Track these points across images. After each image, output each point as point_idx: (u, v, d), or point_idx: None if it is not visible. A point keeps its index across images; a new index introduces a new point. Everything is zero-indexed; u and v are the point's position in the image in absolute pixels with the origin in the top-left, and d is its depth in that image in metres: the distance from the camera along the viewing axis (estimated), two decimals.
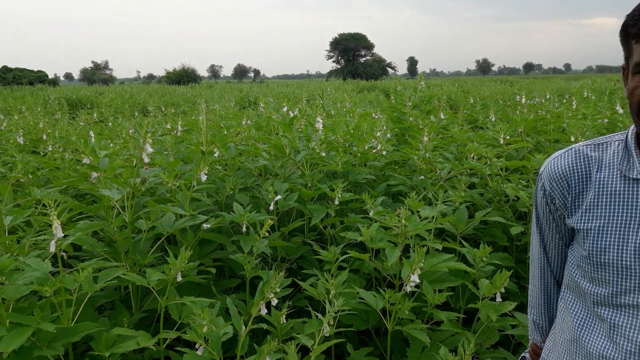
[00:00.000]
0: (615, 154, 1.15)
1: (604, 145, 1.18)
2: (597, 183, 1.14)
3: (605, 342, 1.13)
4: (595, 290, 1.14)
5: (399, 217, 2.31)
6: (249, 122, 4.81)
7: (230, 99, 13.41)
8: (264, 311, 1.73)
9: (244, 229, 2.50)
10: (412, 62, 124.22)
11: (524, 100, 5.22)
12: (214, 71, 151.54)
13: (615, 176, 1.13)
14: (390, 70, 63.65)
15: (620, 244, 1.09)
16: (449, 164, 3.67)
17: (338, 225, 2.95)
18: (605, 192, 1.13)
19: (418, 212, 2.71)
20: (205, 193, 2.88)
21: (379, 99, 13.49)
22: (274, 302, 1.75)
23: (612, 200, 1.12)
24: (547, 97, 7.92)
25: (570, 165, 1.19)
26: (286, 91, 21.01)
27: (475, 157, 3.78)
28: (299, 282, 2.27)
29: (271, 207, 2.66)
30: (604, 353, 1.13)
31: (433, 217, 2.74)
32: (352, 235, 2.51)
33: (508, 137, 3.79)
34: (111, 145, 4.27)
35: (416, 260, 1.93)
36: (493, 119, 5.22)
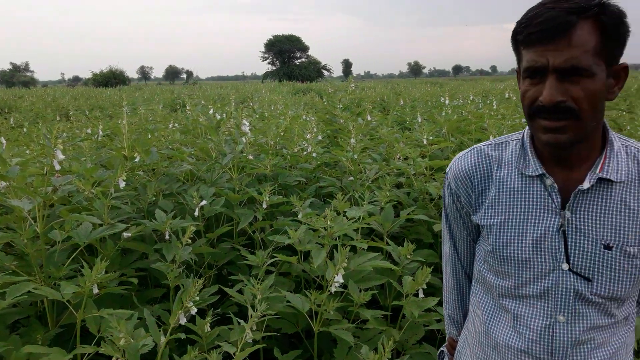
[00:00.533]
0: (513, 153, 1.21)
1: (503, 145, 1.24)
2: (498, 181, 1.21)
3: (510, 332, 1.20)
4: (500, 283, 1.21)
5: (325, 218, 2.33)
6: (176, 125, 4.69)
7: (159, 102, 13.02)
8: (183, 320, 1.68)
9: (167, 237, 2.43)
10: (347, 65, 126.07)
11: (447, 101, 5.42)
12: (144, 73, 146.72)
13: (513, 174, 1.19)
14: (325, 72, 64.26)
15: (520, 238, 1.16)
16: (377, 164, 3.74)
17: (268, 229, 2.93)
18: (504, 189, 1.19)
19: (345, 212, 2.75)
20: (127, 200, 2.78)
21: (314, 101, 13.57)
22: (194, 310, 1.70)
23: (511, 196, 1.18)
24: (471, 98, 8.27)
25: (473, 165, 1.24)
26: (219, 93, 20.70)
27: (401, 157, 3.87)
28: (224, 289, 2.23)
29: (196, 213, 2.60)
30: (509, 343, 1.20)
31: (360, 217, 2.79)
32: (279, 238, 2.49)
33: (432, 138, 3.92)
34: (27, 152, 4.02)
35: (339, 260, 1.95)
36: (420, 120, 5.37)
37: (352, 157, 3.70)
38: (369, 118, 4.26)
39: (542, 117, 1.05)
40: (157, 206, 2.74)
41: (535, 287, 1.15)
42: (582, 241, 1.10)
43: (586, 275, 1.10)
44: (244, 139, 3.55)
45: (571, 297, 1.12)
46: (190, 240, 2.17)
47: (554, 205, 1.12)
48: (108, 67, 53.27)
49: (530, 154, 1.16)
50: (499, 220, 1.19)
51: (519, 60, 1.12)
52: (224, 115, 3.63)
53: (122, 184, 2.43)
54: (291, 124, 4.93)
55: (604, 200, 1.10)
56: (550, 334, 1.14)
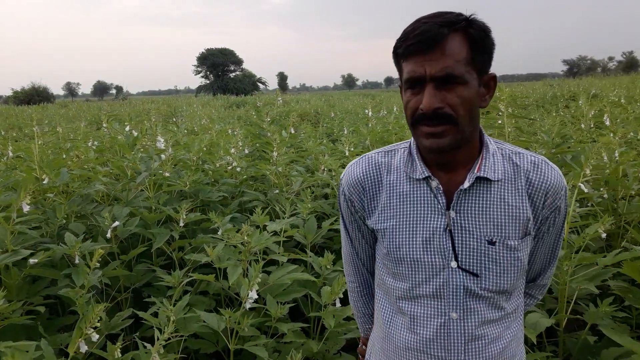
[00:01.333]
0: (402, 159, 1.27)
1: (393, 152, 1.31)
2: (388, 185, 1.26)
3: (407, 334, 1.24)
4: (397, 285, 1.26)
5: (242, 234, 2.31)
6: (95, 143, 4.52)
7: (85, 119, 12.49)
8: (83, 348, 1.61)
9: (77, 261, 2.32)
10: (282, 78, 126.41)
11: (370, 113, 5.56)
12: (71, 89, 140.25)
13: (402, 178, 1.25)
14: (261, 86, 64.10)
15: (411, 239, 1.21)
16: (302, 177, 3.77)
17: (188, 247, 2.87)
18: (395, 194, 1.25)
19: (265, 226, 2.74)
20: (35, 224, 2.64)
21: (248, 114, 13.51)
22: (95, 337, 1.63)
23: (401, 200, 1.24)
24: (395, 109, 8.52)
25: (364, 172, 1.30)
26: (149, 108, 20.12)
27: (325, 169, 3.93)
28: (137, 313, 2.16)
29: (108, 235, 2.51)
30: (408, 344, 1.24)
31: (281, 230, 2.80)
32: (196, 256, 2.45)
33: (352, 149, 4.00)
34: None
35: (253, 276, 1.94)
36: (345, 132, 5.48)
37: (277, 170, 3.71)
38: (293, 131, 4.29)
39: (423, 124, 1.12)
40: (68, 229, 2.62)
41: (428, 286, 1.20)
42: (467, 238, 1.16)
43: (474, 271, 1.16)
44: (162, 156, 3.48)
45: (462, 294, 1.17)
46: (98, 264, 2.08)
47: (439, 206, 1.18)
48: (30, 84, 50.51)
49: (417, 159, 1.23)
50: (391, 224, 1.24)
51: (400, 74, 1.18)
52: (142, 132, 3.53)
53: (26, 208, 2.31)
54: (217, 139, 4.89)
55: (484, 199, 1.17)
56: (445, 331, 1.19)
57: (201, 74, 66.07)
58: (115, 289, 2.69)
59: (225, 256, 2.44)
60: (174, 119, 4.66)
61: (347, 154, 3.98)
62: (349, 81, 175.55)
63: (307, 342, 2.25)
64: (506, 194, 1.18)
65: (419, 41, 1.08)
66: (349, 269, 1.49)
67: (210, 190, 3.24)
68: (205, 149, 3.95)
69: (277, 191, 3.52)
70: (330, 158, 4.05)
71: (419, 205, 1.21)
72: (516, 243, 1.17)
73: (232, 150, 3.89)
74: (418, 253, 1.20)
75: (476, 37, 1.11)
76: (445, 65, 1.07)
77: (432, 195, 1.20)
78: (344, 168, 3.89)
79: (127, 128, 3.29)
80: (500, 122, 3.70)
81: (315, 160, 4.33)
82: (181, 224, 2.68)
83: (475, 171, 1.17)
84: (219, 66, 64.39)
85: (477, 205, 1.18)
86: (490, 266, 1.17)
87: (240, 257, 2.26)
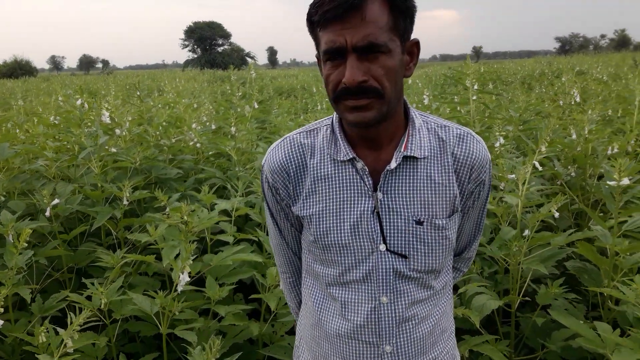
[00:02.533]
0: (324, 139, 1.17)
1: (315, 132, 1.20)
2: (312, 169, 1.17)
3: (339, 320, 1.19)
4: (326, 272, 1.19)
5: (181, 213, 2.21)
6: (58, 118, 4.36)
7: (62, 93, 12.21)
8: None
9: (10, 240, 2.21)
10: (272, 52, 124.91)
11: None
12: (55, 63, 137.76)
13: (325, 160, 1.16)
14: (250, 60, 63.24)
15: (338, 224, 1.14)
16: (264, 153, 3.66)
17: (137, 226, 2.76)
18: (319, 177, 1.16)
19: (214, 205, 2.64)
20: None
21: (233, 89, 13.19)
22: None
23: (326, 184, 1.15)
24: None
25: (287, 155, 1.19)
26: (133, 82, 19.76)
27: None
28: (70, 295, 2.05)
29: (47, 213, 2.39)
30: (339, 331, 1.19)
31: (233, 209, 2.69)
32: (138, 236, 2.35)
33: None
34: None
35: (183, 258, 1.84)
36: (319, 107, 5.35)
37: (238, 146, 3.59)
38: (256, 106, 4.15)
39: (346, 98, 1.03)
40: (7, 207, 2.50)
41: (357, 271, 1.14)
42: (395, 220, 1.11)
43: (402, 252, 1.12)
44: (117, 131, 3.34)
45: (391, 277, 1.13)
46: (26, 244, 1.97)
47: (366, 188, 1.12)
48: (12, 57, 49.40)
49: (340, 139, 1.14)
50: (317, 209, 1.16)
51: (317, 44, 1.08)
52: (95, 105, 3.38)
53: None
54: (184, 113, 4.74)
55: (411, 178, 1.12)
56: (376, 316, 1.14)
57: (188, 48, 64.95)
58: (61, 270, 2.59)
59: (171, 236, 2.34)
60: (138, 93, 4.48)
61: None
62: None
63: (250, 323, 2.17)
64: (433, 171, 1.13)
65: (336, 6, 0.97)
66: (280, 259, 1.39)
67: (165, 167, 3.12)
68: (166, 123, 3.81)
69: (237, 168, 3.40)
70: None
71: (345, 189, 1.14)
72: (444, 222, 1.13)
73: (194, 126, 3.75)
74: (346, 238, 1.13)
75: (395, 2, 1.01)
76: (367, 32, 0.98)
77: (358, 177, 1.13)
78: None
79: (79, 102, 3.13)
80: (474, 97, 3.59)
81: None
82: (125, 202, 2.56)
83: (402, 149, 1.11)
84: (206, 40, 63.26)
85: (404, 184, 1.12)
86: (419, 247, 1.12)
87: (180, 237, 2.16)
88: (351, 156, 1.11)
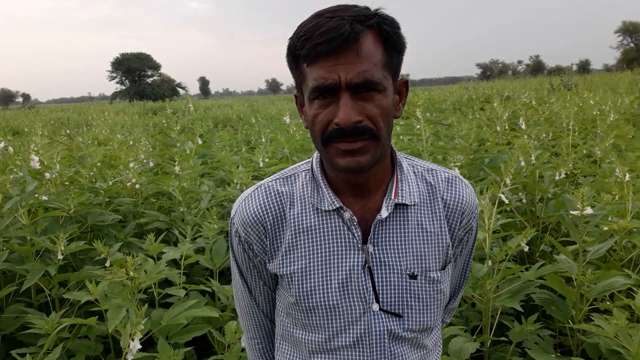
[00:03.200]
0: (305, 186, 1.05)
1: (292, 178, 1.07)
2: (292, 220, 1.03)
3: None
4: (310, 338, 1.04)
5: (128, 267, 1.97)
6: None
7: None
8: None
9: None
10: (204, 82, 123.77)
11: (288, 120, 5.30)
12: None
13: (308, 210, 1.03)
14: (181, 91, 62.05)
15: (325, 282, 1.00)
16: (210, 192, 3.45)
17: (74, 283, 2.46)
18: (301, 230, 1.02)
19: (162, 254, 2.41)
20: None
21: (170, 123, 12.69)
22: None
23: (310, 237, 1.02)
24: None
25: (262, 205, 1.04)
26: (59, 116, 18.76)
27: (239, 182, 3.62)
28: None
29: None
30: None
31: (182, 257, 2.47)
32: (76, 295, 2.07)
33: (268, 160, 3.72)
34: None
35: (134, 323, 1.61)
36: (263, 140, 5.19)
37: (182, 186, 3.36)
38: (200, 142, 3.94)
39: (338, 140, 0.92)
40: None
41: (347, 336, 1.01)
42: (388, 275, 1.00)
43: (397, 311, 1.01)
44: (47, 175, 3.03)
45: (386, 340, 1.01)
46: None
47: (355, 241, 1.00)
48: None
49: (323, 186, 1.02)
50: (299, 266, 1.01)
51: (301, 81, 0.95)
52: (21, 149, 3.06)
53: None
54: (119, 151, 4.44)
55: (402, 227, 1.02)
56: None
57: (116, 80, 62.90)
58: None
59: (114, 293, 2.08)
60: (67, 131, 4.15)
61: (261, 164, 3.70)
62: (273, 86, 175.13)
63: None
64: (424, 219, 1.03)
65: (329, 40, 0.86)
66: (249, 324, 1.21)
67: (102, 213, 2.84)
68: (99, 164, 3.52)
69: (182, 209, 3.17)
70: (244, 170, 3.75)
71: (331, 242, 1.00)
72: (439, 275, 1.04)
73: (132, 165, 3.49)
74: (335, 298, 1.00)
75: (390, 35, 0.92)
76: (363, 69, 0.88)
77: (346, 229, 1.00)
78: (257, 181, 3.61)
79: (1, 144, 2.81)
80: (418, 126, 3.58)
81: (229, 173, 4.01)
82: (59, 257, 2.28)
83: (392, 197, 1.00)
84: (135, 71, 61.61)
85: (395, 235, 1.01)
86: (413, 304, 1.01)
87: (124, 295, 1.91)
88: (337, 205, 0.99)
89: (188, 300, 2.13)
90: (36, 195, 2.51)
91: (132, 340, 1.61)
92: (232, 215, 1.10)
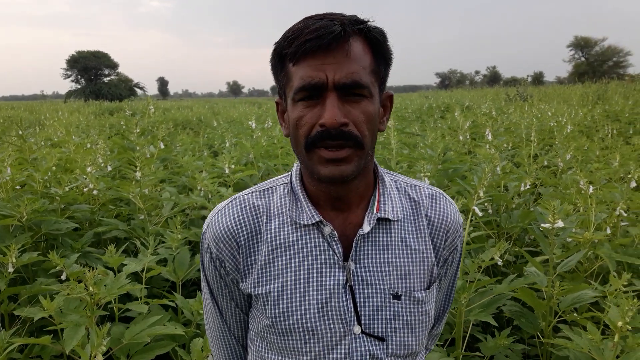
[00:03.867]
0: (282, 199, 0.99)
1: (270, 191, 1.01)
2: (269, 236, 0.96)
3: None
4: None
5: (85, 282, 1.84)
6: None
7: None
8: None
9: None
10: (163, 83, 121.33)
11: (254, 125, 5.20)
12: None
13: (285, 225, 0.97)
14: (139, 91, 60.60)
15: (303, 303, 0.94)
16: (173, 199, 3.32)
17: (25, 297, 2.30)
18: (278, 246, 0.96)
19: (123, 266, 2.28)
20: None
21: (130, 125, 12.29)
22: None
23: (287, 253, 0.95)
24: None
25: (236, 220, 0.98)
26: (8, 115, 17.90)
27: (202, 188, 3.51)
28: None
29: None
30: None
31: (143, 270, 2.35)
32: (28, 312, 1.93)
33: (234, 166, 3.62)
34: None
35: (95, 344, 1.50)
36: (227, 145, 5.07)
37: (142, 192, 3.22)
38: (162, 146, 3.81)
39: (322, 145, 0.87)
40: None
41: None
42: (370, 295, 0.95)
43: (379, 334, 0.95)
44: None
45: None
46: None
47: (335, 258, 0.94)
48: None
49: (302, 199, 0.96)
50: (276, 285, 0.95)
51: (286, 83, 0.90)
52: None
53: None
54: (75, 154, 4.23)
55: (386, 243, 0.97)
56: None
57: (71, 78, 60.74)
58: None
59: (69, 309, 1.95)
60: (20, 131, 3.92)
61: (227, 171, 3.59)
62: (234, 88, 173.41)
63: None
64: (408, 236, 0.98)
65: (318, 36, 0.82)
66: (219, 349, 1.13)
67: (57, 221, 2.67)
68: (54, 167, 3.33)
69: (142, 217, 3.03)
70: (208, 176, 3.63)
71: (310, 259, 0.94)
72: (423, 295, 0.98)
73: (89, 169, 3.31)
74: (313, 320, 0.93)
75: (379, 44, 0.90)
76: (351, 70, 0.85)
77: (326, 245, 0.94)
78: (227, 188, 3.51)
79: None
80: (385, 134, 3.58)
81: (192, 179, 3.88)
82: (10, 270, 2.11)
83: (375, 211, 0.95)
84: (91, 70, 59.67)
85: (378, 252, 0.96)
86: (397, 326, 0.95)
87: (81, 312, 1.78)
88: (317, 219, 0.94)
89: (150, 316, 2.02)
90: None
91: None
92: (203, 230, 1.03)
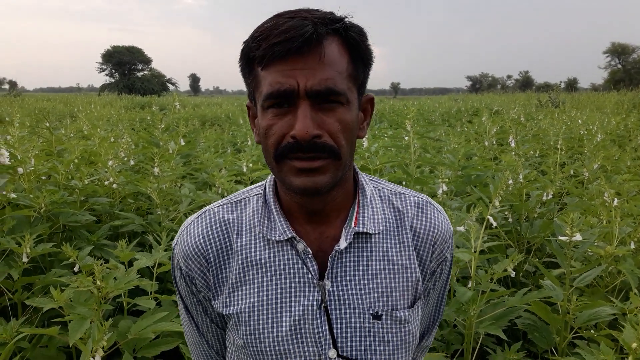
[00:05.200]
0: (255, 213, 0.93)
1: (242, 203, 0.96)
2: (239, 253, 0.91)
3: None
4: None
5: (93, 275, 1.86)
6: None
7: None
8: None
9: None
10: (195, 79, 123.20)
11: None
12: None
13: (258, 240, 0.91)
14: (171, 86, 61.58)
15: (275, 325, 0.88)
16: (190, 196, 3.34)
17: (39, 287, 2.34)
18: (249, 264, 0.90)
19: (135, 261, 2.30)
20: None
21: (155, 121, 12.47)
22: None
23: (259, 272, 0.90)
24: None
25: (205, 236, 0.93)
26: (43, 106, 18.43)
27: (220, 186, 3.52)
28: None
29: None
30: None
31: (155, 265, 2.36)
32: (38, 302, 1.96)
33: (251, 165, 3.63)
34: None
35: (96, 338, 1.51)
36: (249, 142, 5.10)
37: (160, 187, 3.25)
38: (182, 143, 3.84)
39: (294, 156, 0.81)
40: None
41: None
42: (348, 315, 0.89)
43: (357, 358, 0.89)
44: (20, 169, 2.90)
45: None
46: None
47: (310, 276, 0.89)
48: None
49: (275, 213, 0.91)
50: (246, 306, 0.90)
51: (254, 87, 0.84)
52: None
53: None
54: (99, 147, 4.31)
55: (365, 259, 0.90)
56: None
57: (106, 72, 62.27)
58: None
59: (79, 301, 1.97)
60: (47, 123, 4.01)
61: (244, 169, 3.60)
62: None
63: None
64: (390, 250, 0.92)
65: (288, 39, 0.75)
66: None
67: (75, 213, 2.71)
68: (77, 160, 3.39)
69: (159, 212, 3.06)
70: (227, 174, 3.65)
71: (283, 278, 0.89)
72: (406, 314, 0.91)
73: (110, 163, 3.36)
74: (285, 343, 0.88)
75: (357, 44, 0.83)
76: (325, 76, 0.78)
77: (300, 262, 0.89)
78: (241, 187, 3.52)
79: None
80: (406, 138, 3.53)
81: (212, 176, 3.91)
82: (24, 260, 2.16)
83: (353, 224, 0.89)
84: (125, 64, 61.02)
85: (357, 269, 0.90)
86: (377, 348, 0.89)
87: (89, 305, 1.80)
88: (289, 235, 0.88)
89: (158, 312, 2.03)
90: (4, 193, 2.38)
91: (93, 357, 1.50)
92: (173, 245, 0.98)
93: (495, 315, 2.10)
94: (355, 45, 0.82)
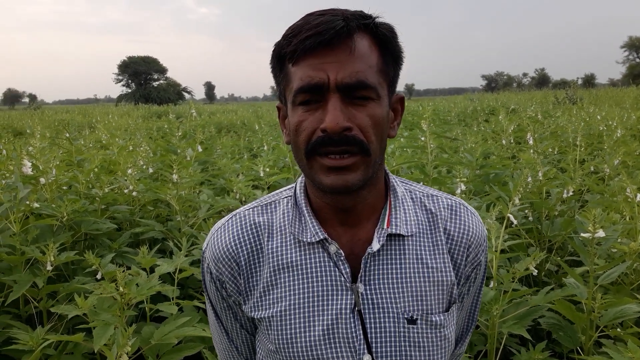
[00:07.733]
0: (285, 215, 0.93)
1: (272, 206, 0.95)
2: (271, 256, 0.90)
3: None
4: None
5: (118, 282, 1.89)
6: None
7: None
8: None
9: None
10: (210, 87, 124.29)
11: None
12: None
13: (289, 243, 0.90)
14: (186, 95, 62.24)
15: (308, 329, 0.87)
16: (209, 202, 3.37)
17: (64, 294, 2.38)
18: (281, 267, 0.90)
19: (156, 267, 2.32)
20: None
21: (173, 128, 12.59)
22: None
23: (290, 275, 0.89)
24: None
25: (236, 239, 0.92)
26: (62, 118, 18.76)
27: (238, 192, 3.54)
28: None
29: None
30: None
31: (176, 271, 2.39)
32: (63, 309, 1.99)
33: (268, 170, 3.65)
34: None
35: (121, 344, 1.53)
36: (265, 148, 5.12)
37: (179, 194, 3.28)
38: (200, 149, 3.88)
39: (324, 153, 0.80)
40: None
41: None
42: (382, 319, 0.87)
43: None
44: (42, 180, 2.96)
45: None
46: None
47: (343, 279, 0.87)
48: None
49: (306, 214, 0.90)
50: (278, 309, 0.89)
51: (285, 85, 0.85)
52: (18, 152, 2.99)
53: None
54: (118, 156, 4.37)
55: (399, 262, 0.89)
56: None
57: (122, 83, 63.23)
58: None
59: (102, 308, 2.00)
60: (67, 134, 4.09)
61: (261, 174, 3.62)
62: (275, 90, 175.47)
63: None
64: (424, 252, 0.90)
65: (318, 32, 0.76)
66: None
67: (96, 221, 2.75)
68: (97, 169, 3.44)
69: (179, 219, 3.09)
70: (244, 179, 3.67)
71: (315, 281, 0.88)
72: (441, 318, 0.89)
73: (129, 171, 3.41)
74: (318, 347, 0.86)
75: (387, 40, 0.82)
76: (356, 69, 0.78)
77: (332, 265, 0.87)
78: (262, 191, 3.54)
79: None
80: (422, 138, 3.51)
81: (229, 181, 3.93)
82: (48, 268, 2.19)
83: (385, 226, 0.88)
84: (141, 74, 61.87)
85: (390, 272, 0.88)
86: (413, 354, 0.87)
87: (113, 311, 1.83)
88: (322, 237, 0.87)
89: (180, 317, 2.04)
90: (27, 203, 2.43)
91: None
92: (203, 249, 0.98)
93: (519, 314, 2.07)
94: (385, 41, 0.83)
